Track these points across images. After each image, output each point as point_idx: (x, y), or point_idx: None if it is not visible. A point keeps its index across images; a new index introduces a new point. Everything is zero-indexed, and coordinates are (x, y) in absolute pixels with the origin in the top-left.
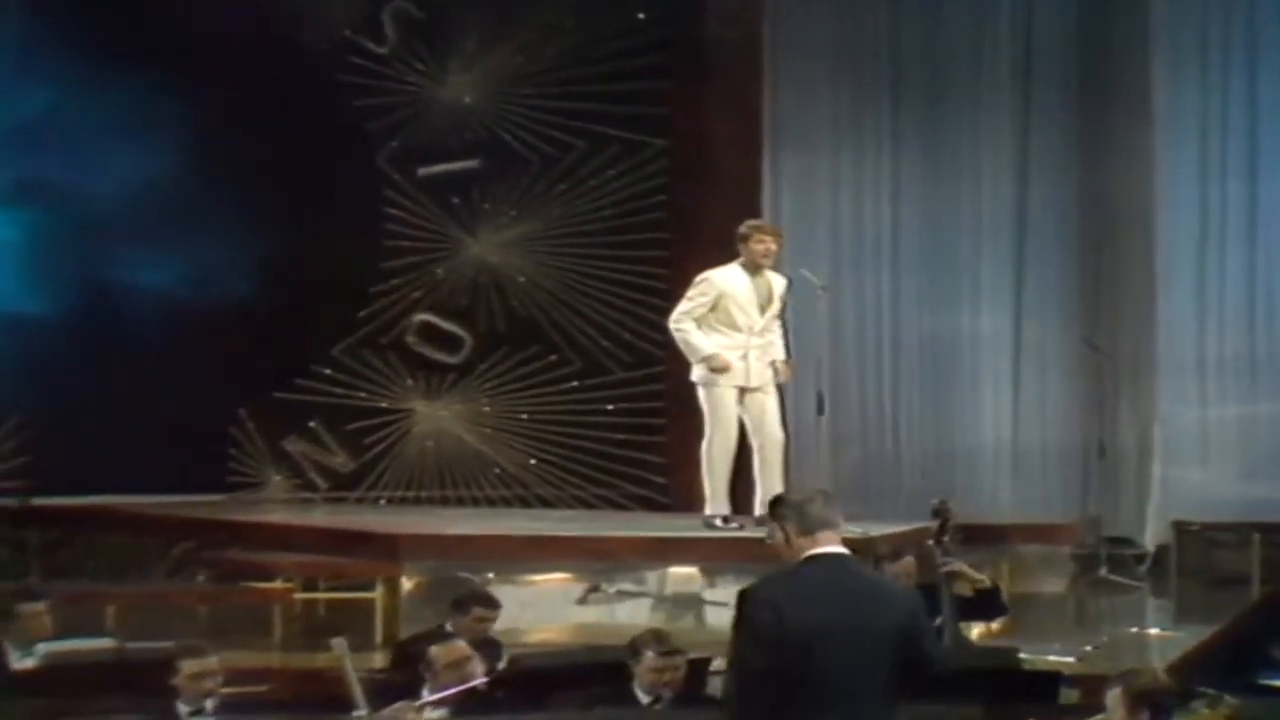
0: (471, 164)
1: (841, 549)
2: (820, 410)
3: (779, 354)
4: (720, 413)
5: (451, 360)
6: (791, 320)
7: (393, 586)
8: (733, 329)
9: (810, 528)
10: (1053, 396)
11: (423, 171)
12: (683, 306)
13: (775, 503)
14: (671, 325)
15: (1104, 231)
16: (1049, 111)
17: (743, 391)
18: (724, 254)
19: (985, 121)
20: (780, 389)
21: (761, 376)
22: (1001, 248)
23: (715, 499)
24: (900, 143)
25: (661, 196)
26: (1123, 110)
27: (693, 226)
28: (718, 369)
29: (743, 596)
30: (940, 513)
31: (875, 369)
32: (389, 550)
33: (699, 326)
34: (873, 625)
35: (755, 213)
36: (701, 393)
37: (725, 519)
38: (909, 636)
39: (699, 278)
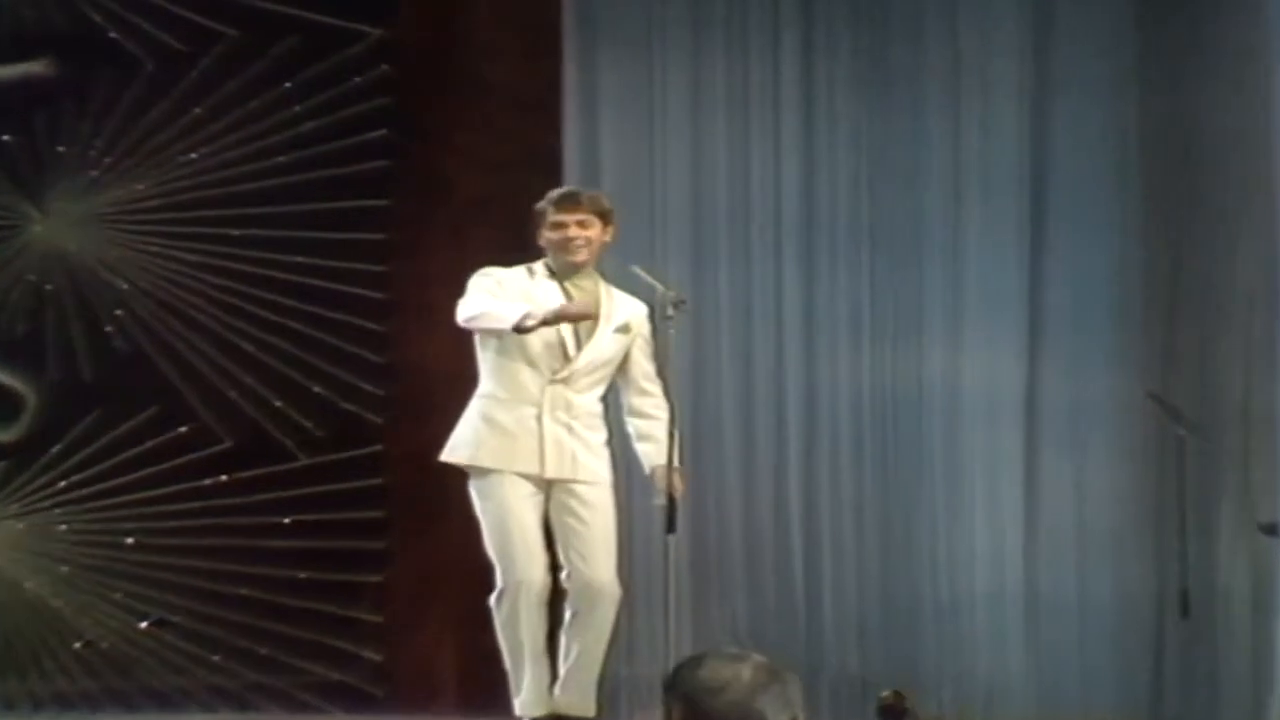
0: (37, 69)
1: None
2: (670, 528)
3: (658, 451)
4: (503, 530)
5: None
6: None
7: None
8: (523, 374)
9: None
10: (1095, 504)
11: None
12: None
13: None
14: (462, 319)
15: (1185, 205)
16: None
17: (548, 486)
18: (491, 240)
19: (970, 4)
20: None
21: (579, 466)
22: (1003, 235)
23: (522, 687)
24: (817, 43)
25: (380, 131)
26: None
27: (436, 188)
28: (548, 320)
29: None
30: (893, 712)
31: (773, 451)
32: None
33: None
34: None
35: (548, 160)
36: (472, 493)
37: None
38: None
39: (479, 273)
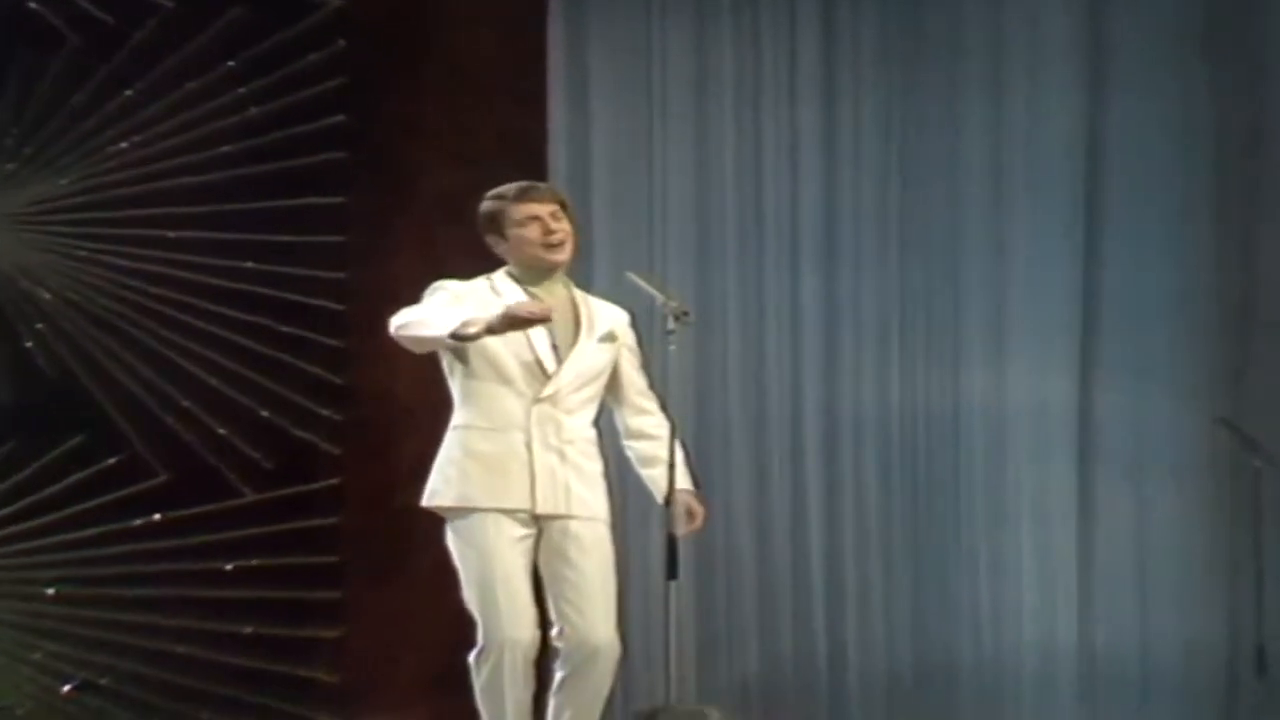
0: None
1: None
2: (671, 572)
3: (662, 473)
4: (486, 580)
5: None
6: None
7: None
8: (502, 398)
9: None
10: (1158, 544)
11: None
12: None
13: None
14: (392, 329)
15: (1260, 201)
16: None
17: (538, 526)
18: (464, 243)
19: None
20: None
21: (573, 500)
22: (1052, 236)
23: None
24: (839, 17)
25: (338, 118)
26: None
27: (402, 183)
28: (495, 327)
29: None
30: None
31: (789, 484)
32: None
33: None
34: None
35: (530, 152)
36: (450, 537)
37: None
38: None
39: (432, 286)
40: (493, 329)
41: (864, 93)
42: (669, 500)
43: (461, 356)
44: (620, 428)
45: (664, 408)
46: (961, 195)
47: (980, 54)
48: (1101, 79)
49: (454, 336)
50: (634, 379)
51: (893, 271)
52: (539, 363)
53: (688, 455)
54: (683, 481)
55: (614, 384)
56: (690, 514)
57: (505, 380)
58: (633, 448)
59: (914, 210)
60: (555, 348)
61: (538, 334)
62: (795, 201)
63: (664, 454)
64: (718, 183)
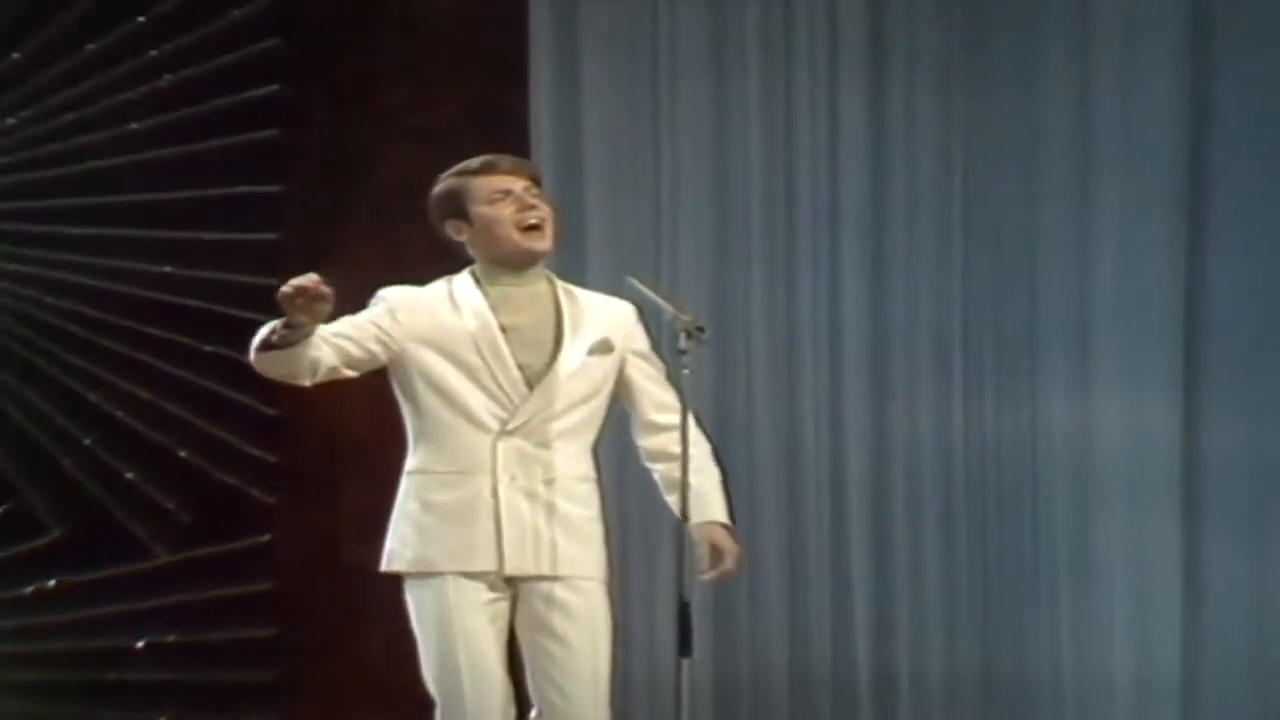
0: None
1: None
2: (684, 648)
3: (700, 504)
4: (447, 654)
5: None
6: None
7: None
8: (460, 432)
9: None
10: (1279, 610)
11: None
12: None
13: None
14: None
15: None
16: None
17: (514, 588)
18: (428, 240)
19: None
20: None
21: (558, 557)
22: (1149, 233)
23: None
24: None
25: (273, 87)
26: None
27: (352, 168)
28: (288, 321)
29: None
30: None
31: (828, 531)
32: None
33: (417, 442)
34: None
35: (508, 128)
36: (409, 602)
37: None
38: None
39: (376, 296)
40: (289, 325)
41: (920, 58)
42: (685, 518)
43: (402, 381)
44: (639, 449)
45: (700, 423)
46: (1038, 183)
47: (1062, 12)
48: (1209, 39)
49: (260, 348)
50: (648, 391)
51: (954, 276)
52: (496, 383)
53: (725, 480)
54: (716, 513)
55: (626, 397)
56: (716, 552)
57: (461, 410)
58: (655, 470)
59: (980, 201)
60: (520, 367)
61: (497, 348)
62: (835, 192)
63: (692, 478)
64: (740, 169)
